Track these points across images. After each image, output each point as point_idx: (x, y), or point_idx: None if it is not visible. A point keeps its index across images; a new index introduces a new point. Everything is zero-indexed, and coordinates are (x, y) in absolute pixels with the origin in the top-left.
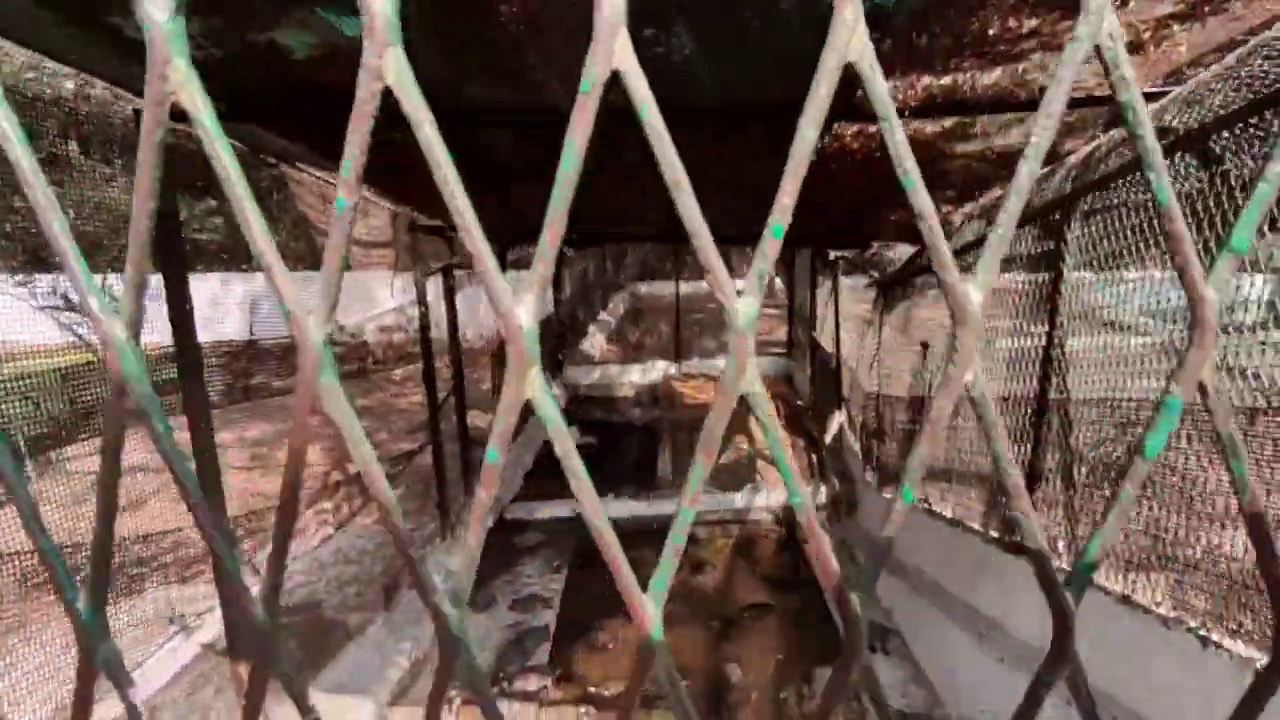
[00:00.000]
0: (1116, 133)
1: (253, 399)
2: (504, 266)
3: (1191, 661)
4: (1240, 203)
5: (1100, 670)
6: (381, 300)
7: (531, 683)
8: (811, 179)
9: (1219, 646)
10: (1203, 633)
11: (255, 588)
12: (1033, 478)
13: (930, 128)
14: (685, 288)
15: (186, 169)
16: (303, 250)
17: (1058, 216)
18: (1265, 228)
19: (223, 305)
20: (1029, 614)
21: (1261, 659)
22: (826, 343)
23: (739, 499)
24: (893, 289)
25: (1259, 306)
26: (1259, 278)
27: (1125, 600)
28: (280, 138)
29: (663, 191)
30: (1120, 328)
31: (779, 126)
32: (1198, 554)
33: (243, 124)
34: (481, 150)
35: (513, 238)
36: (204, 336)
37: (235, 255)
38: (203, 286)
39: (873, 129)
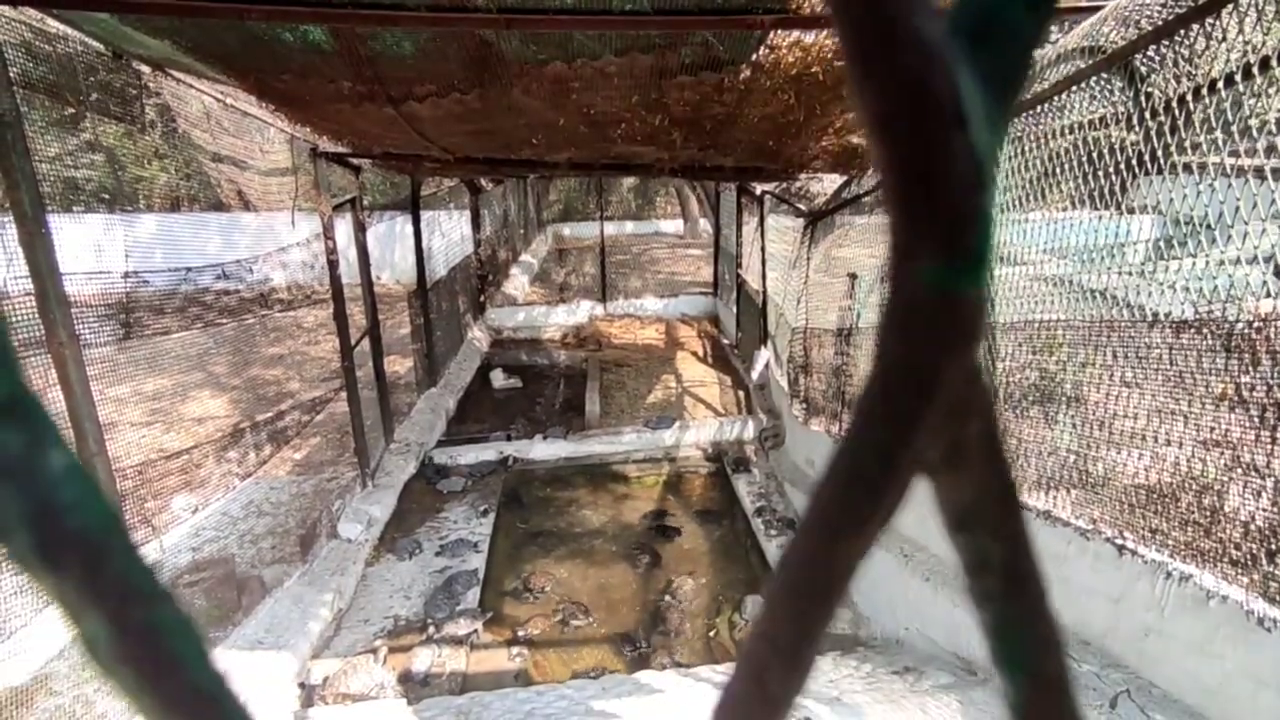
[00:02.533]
0: (1053, 49)
1: (147, 350)
2: (417, 204)
3: (1107, 567)
4: (1162, 122)
5: None
6: (286, 239)
7: (462, 627)
8: (740, 100)
9: (1134, 553)
10: (1119, 541)
11: (150, 543)
12: None
13: None
14: (609, 228)
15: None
16: (196, 190)
17: None
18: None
19: (107, 252)
20: None
21: (1171, 563)
22: (753, 280)
23: (668, 436)
24: (820, 222)
25: (1147, 246)
26: (1146, 219)
27: (1046, 515)
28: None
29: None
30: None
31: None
32: (1104, 471)
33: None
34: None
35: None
36: (91, 286)
37: (118, 197)
38: (84, 230)
39: (809, 39)
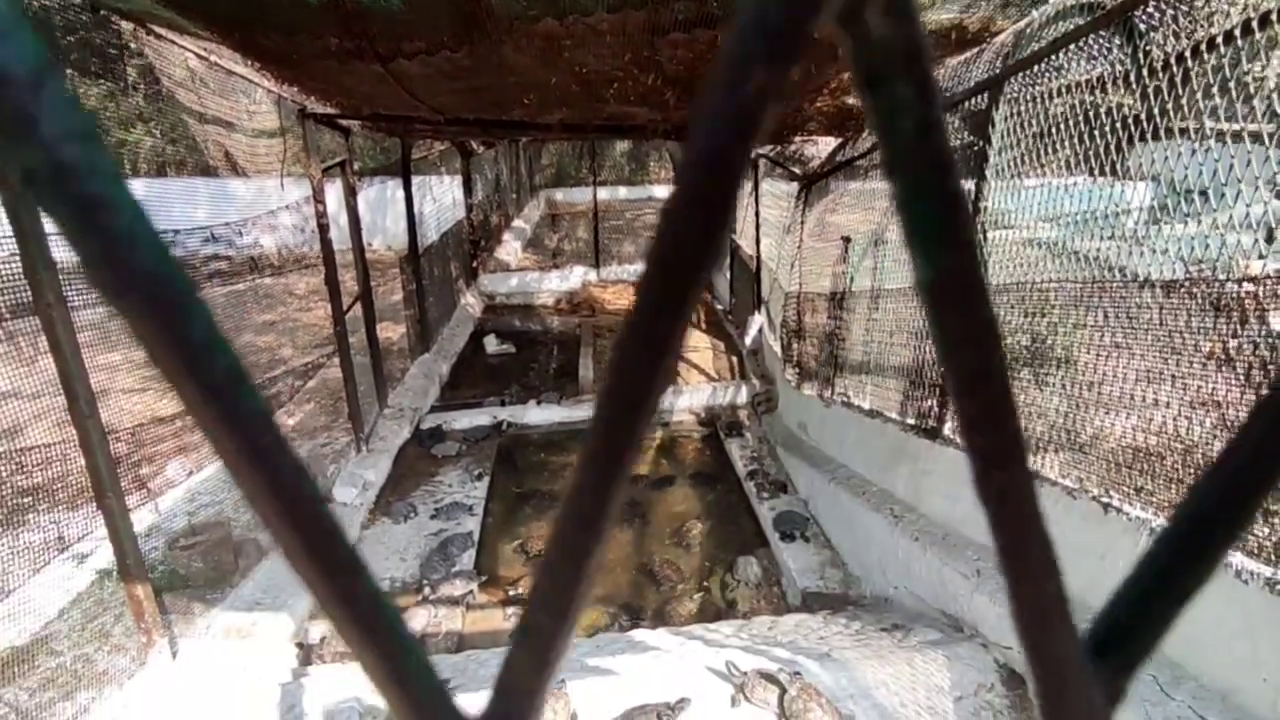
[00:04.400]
0: (1051, 6)
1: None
2: (408, 167)
3: (1093, 525)
4: (1159, 84)
5: None
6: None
7: (457, 588)
8: None
9: (1119, 511)
10: (1104, 499)
11: (144, 507)
12: None
13: None
14: (602, 193)
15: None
16: (183, 155)
17: (985, 100)
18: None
19: None
20: (939, 495)
21: (1155, 520)
22: (747, 245)
23: (662, 401)
24: (814, 185)
25: (1142, 211)
26: (1141, 186)
27: (1034, 476)
28: None
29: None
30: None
31: None
32: (1092, 432)
33: None
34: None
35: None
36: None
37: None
38: None
39: None
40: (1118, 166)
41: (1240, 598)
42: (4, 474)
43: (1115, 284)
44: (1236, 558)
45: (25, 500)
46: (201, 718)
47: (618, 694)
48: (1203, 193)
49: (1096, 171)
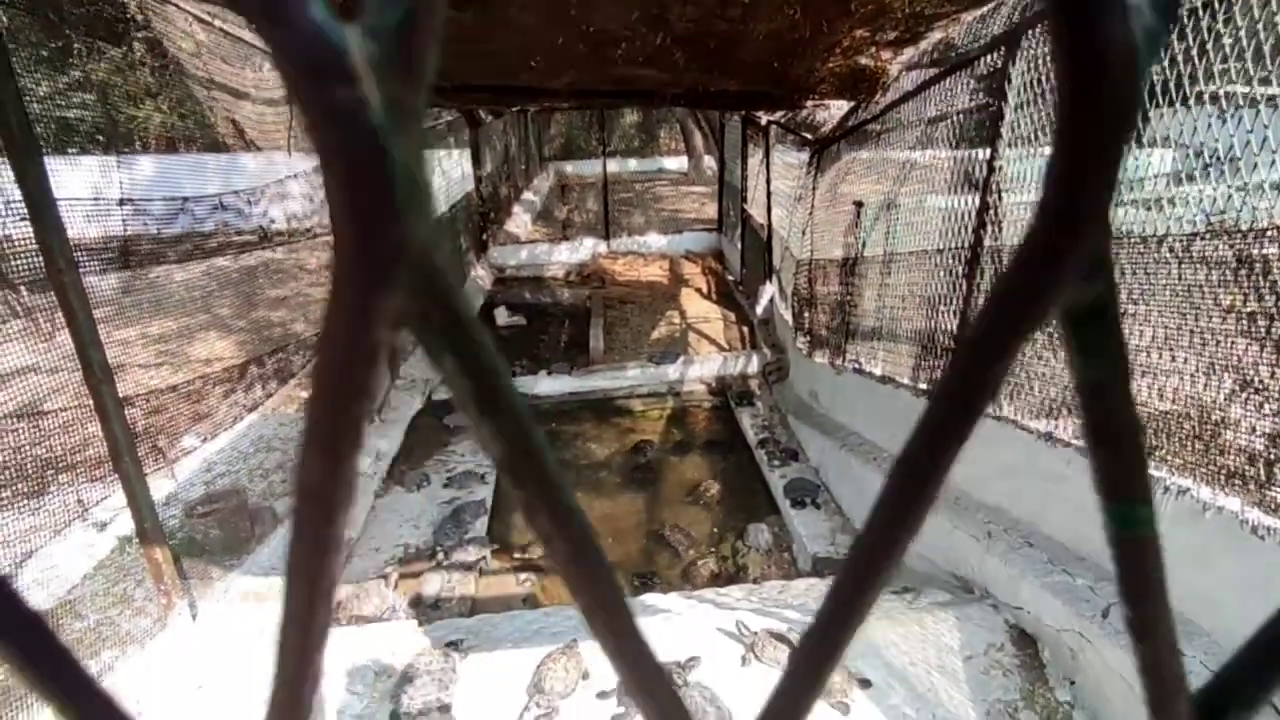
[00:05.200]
0: None
1: (151, 294)
2: None
3: None
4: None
5: (1031, 494)
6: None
7: (470, 554)
8: (745, 15)
9: None
10: None
11: (161, 473)
12: (964, 325)
13: None
14: (612, 165)
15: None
16: (192, 130)
17: (1000, 56)
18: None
19: (106, 195)
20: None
21: (1166, 477)
22: (758, 214)
23: (672, 371)
24: (826, 151)
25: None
26: (1163, 152)
27: (1048, 437)
28: None
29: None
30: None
31: None
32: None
33: None
34: None
35: None
36: (93, 230)
37: (114, 138)
38: (80, 174)
39: None
40: (1140, 132)
41: (1258, 552)
42: (26, 444)
43: (1133, 239)
44: (1254, 514)
45: (47, 472)
46: (221, 676)
47: None
48: (1228, 158)
49: None
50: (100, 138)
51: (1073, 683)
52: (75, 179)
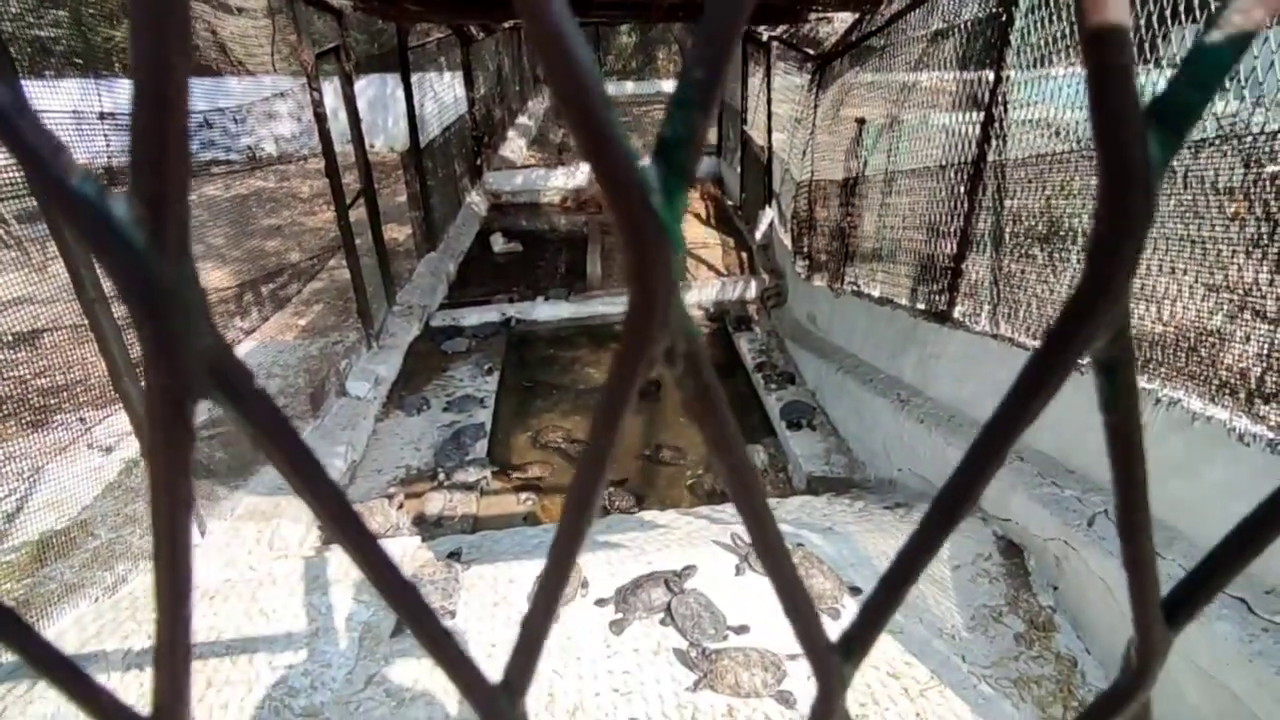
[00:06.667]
0: None
1: None
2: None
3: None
4: None
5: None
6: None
7: (471, 475)
8: None
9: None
10: None
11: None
12: (964, 244)
13: None
14: (609, 88)
15: None
16: None
17: None
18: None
19: (87, 119)
20: (947, 378)
21: (1161, 389)
22: (758, 136)
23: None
24: (829, 67)
25: None
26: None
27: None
28: None
29: None
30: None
31: None
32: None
33: None
34: None
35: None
36: (76, 155)
37: (90, 59)
38: (58, 96)
39: None
40: (1150, 57)
41: (1242, 459)
42: (26, 372)
43: None
44: (1242, 422)
45: (50, 400)
46: (231, 586)
47: (627, 564)
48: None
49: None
50: (78, 60)
51: (1056, 588)
52: (55, 102)
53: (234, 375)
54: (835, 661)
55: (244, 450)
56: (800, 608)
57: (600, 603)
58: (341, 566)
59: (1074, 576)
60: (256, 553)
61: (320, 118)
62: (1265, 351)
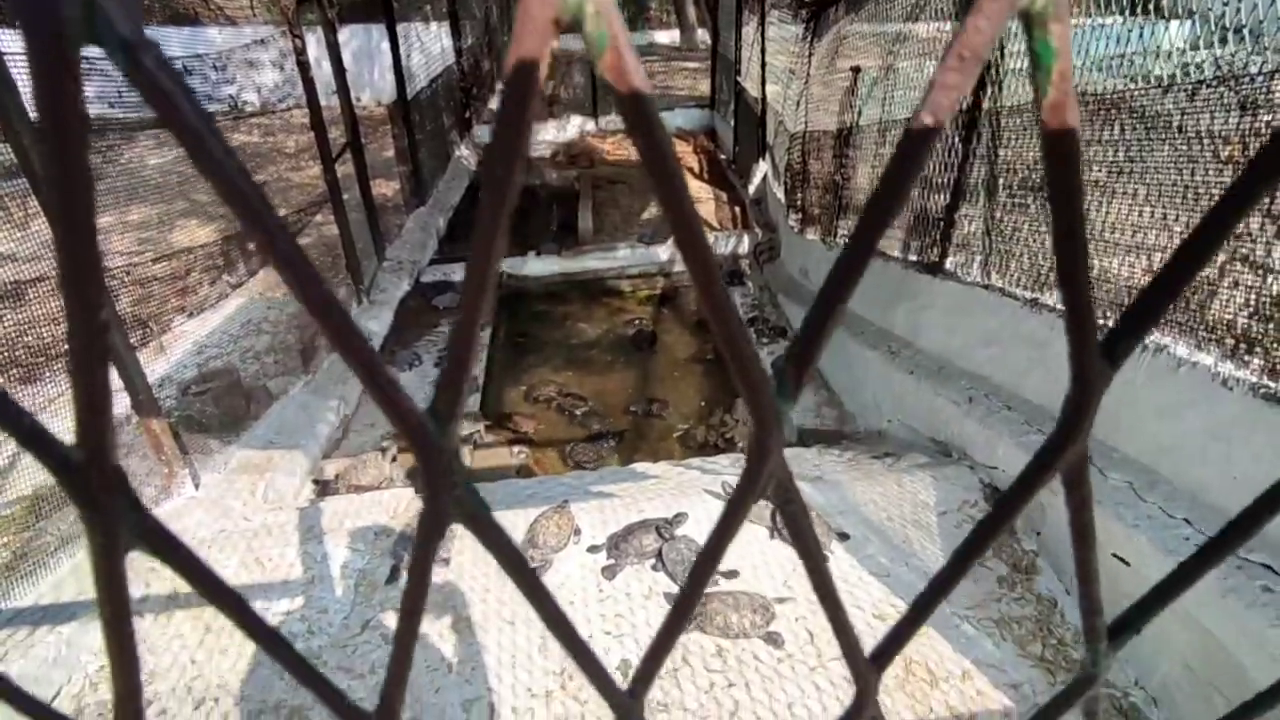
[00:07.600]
0: None
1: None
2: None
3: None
4: None
5: (1013, 360)
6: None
7: (464, 428)
8: None
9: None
10: (1100, 321)
11: (151, 346)
12: (958, 194)
13: None
14: None
15: None
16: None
17: None
18: None
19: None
20: (937, 329)
21: (1148, 337)
22: (752, 87)
23: (662, 252)
24: (823, 16)
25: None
26: (1175, 24)
27: (1034, 303)
28: None
29: None
30: None
31: None
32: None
33: None
34: None
35: None
36: None
37: None
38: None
39: None
40: (1152, 5)
41: (1223, 402)
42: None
43: (1137, 89)
44: (1226, 366)
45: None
46: (226, 536)
47: (619, 512)
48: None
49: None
50: None
51: (1039, 533)
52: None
53: None
54: (873, 677)
55: (235, 404)
56: (843, 627)
57: (593, 549)
58: (336, 517)
59: (1057, 522)
60: (251, 504)
61: (304, 66)
62: (1252, 299)
